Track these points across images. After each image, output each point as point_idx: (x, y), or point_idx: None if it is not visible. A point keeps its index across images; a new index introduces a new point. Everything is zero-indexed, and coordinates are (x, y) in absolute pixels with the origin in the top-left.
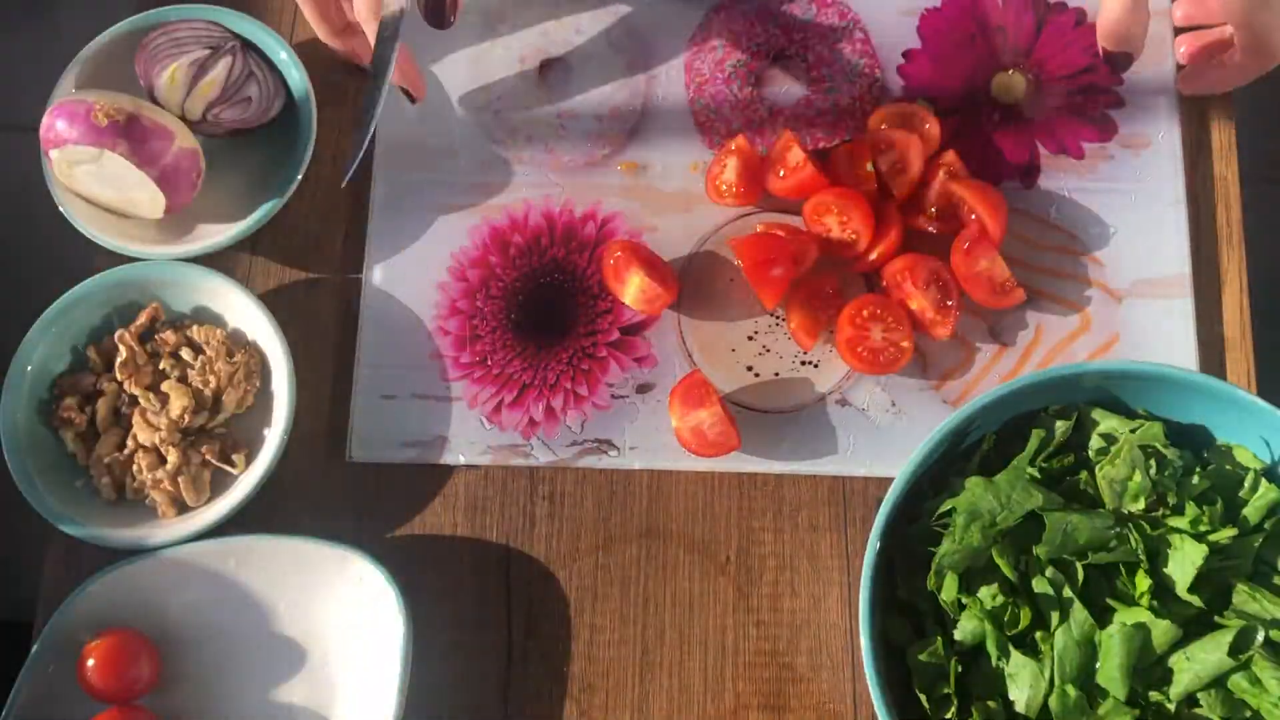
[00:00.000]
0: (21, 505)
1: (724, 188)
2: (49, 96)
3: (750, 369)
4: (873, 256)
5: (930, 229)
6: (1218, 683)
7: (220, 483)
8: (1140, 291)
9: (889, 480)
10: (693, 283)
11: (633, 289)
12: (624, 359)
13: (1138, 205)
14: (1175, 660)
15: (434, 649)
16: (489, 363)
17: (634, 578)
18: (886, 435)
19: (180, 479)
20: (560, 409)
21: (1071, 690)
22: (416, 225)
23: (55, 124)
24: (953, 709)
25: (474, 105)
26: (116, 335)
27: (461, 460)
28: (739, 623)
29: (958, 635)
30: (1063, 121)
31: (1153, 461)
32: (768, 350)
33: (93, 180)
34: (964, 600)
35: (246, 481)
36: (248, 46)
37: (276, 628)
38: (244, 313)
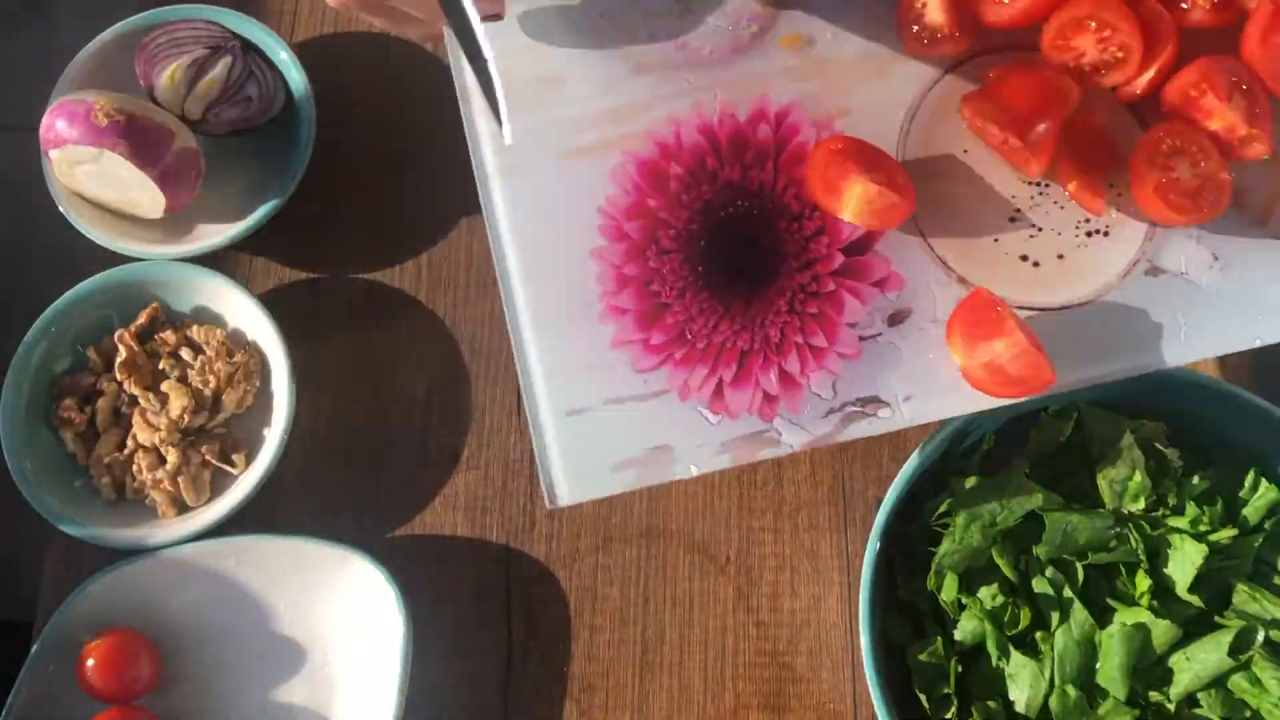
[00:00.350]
0: (21, 505)
1: (926, 34)
2: (49, 96)
3: (1026, 258)
4: (1148, 75)
5: (1201, 21)
6: (1218, 683)
7: (220, 483)
8: None
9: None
10: (917, 169)
11: (855, 202)
12: (860, 287)
13: None
14: (1175, 660)
15: (434, 649)
16: (689, 335)
17: (634, 578)
18: (1218, 299)
19: (180, 479)
20: (799, 372)
21: (1071, 690)
22: (542, 185)
23: (55, 124)
24: (953, 709)
25: (569, 10)
26: (116, 335)
27: (694, 471)
28: (739, 623)
29: (958, 635)
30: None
31: (1152, 462)
32: (1039, 230)
33: (93, 180)
34: (964, 600)
35: (246, 481)
36: (248, 46)
37: (276, 628)
38: (244, 313)
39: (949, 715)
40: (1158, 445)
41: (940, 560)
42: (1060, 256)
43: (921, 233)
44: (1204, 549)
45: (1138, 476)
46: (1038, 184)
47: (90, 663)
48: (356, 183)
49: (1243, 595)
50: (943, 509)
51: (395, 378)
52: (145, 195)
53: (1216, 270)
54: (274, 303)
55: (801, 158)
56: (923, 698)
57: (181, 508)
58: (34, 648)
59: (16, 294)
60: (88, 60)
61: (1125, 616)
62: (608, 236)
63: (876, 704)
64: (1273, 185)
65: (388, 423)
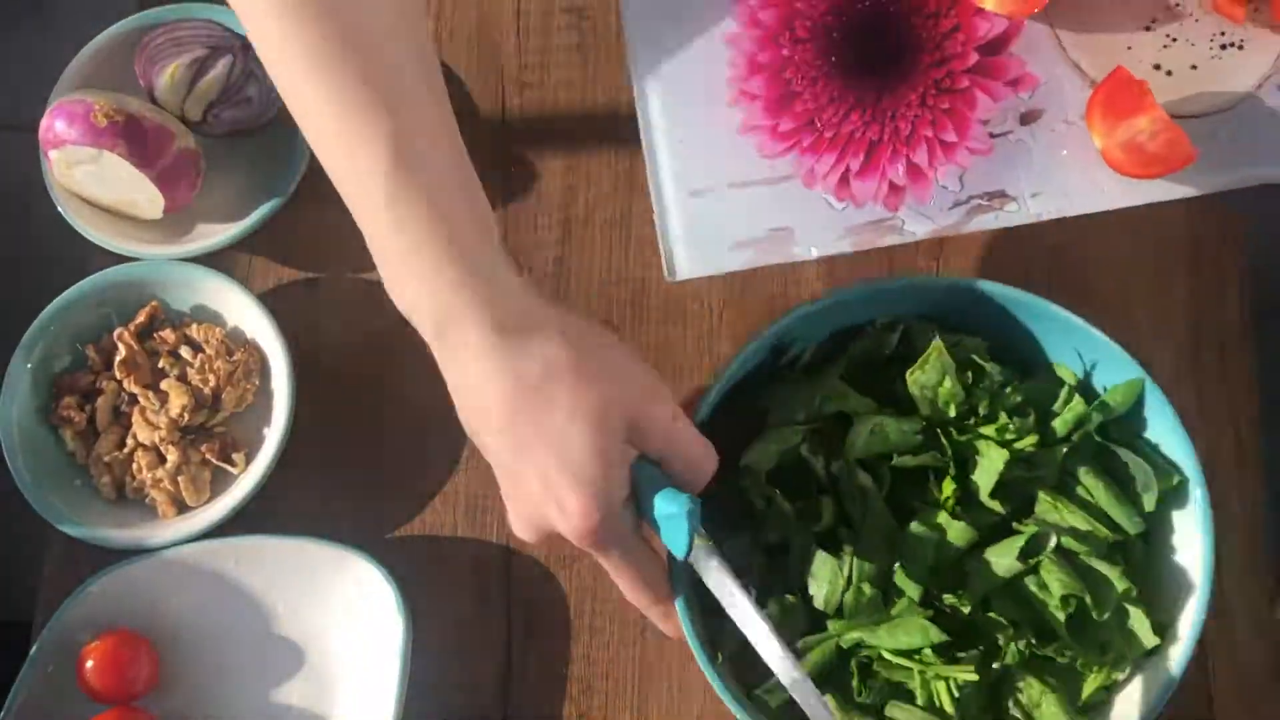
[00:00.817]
0: (21, 505)
1: None
2: (49, 96)
3: (1159, 67)
4: None
5: None
6: (1010, 586)
7: (220, 483)
8: None
9: None
10: None
11: None
12: (994, 85)
13: None
14: (971, 564)
15: (434, 649)
16: (818, 124)
17: None
18: None
19: (180, 478)
20: (927, 164)
21: (868, 589)
22: None
23: (55, 124)
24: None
25: None
26: (115, 333)
27: (814, 253)
28: None
29: (766, 532)
30: None
31: (969, 374)
32: (1173, 40)
33: (92, 180)
34: (771, 499)
35: (246, 481)
36: (248, 46)
37: (276, 628)
38: (243, 312)
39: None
40: (976, 358)
41: (749, 458)
42: (1194, 67)
43: (1057, 35)
44: (1006, 454)
45: (947, 383)
46: None
47: (90, 663)
48: None
49: (1044, 504)
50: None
51: (395, 377)
52: (144, 195)
53: None
54: (274, 303)
55: None
56: None
57: (181, 507)
58: (34, 648)
59: (16, 294)
60: (88, 60)
61: (925, 519)
62: (742, 22)
63: (678, 604)
64: None
65: (388, 423)
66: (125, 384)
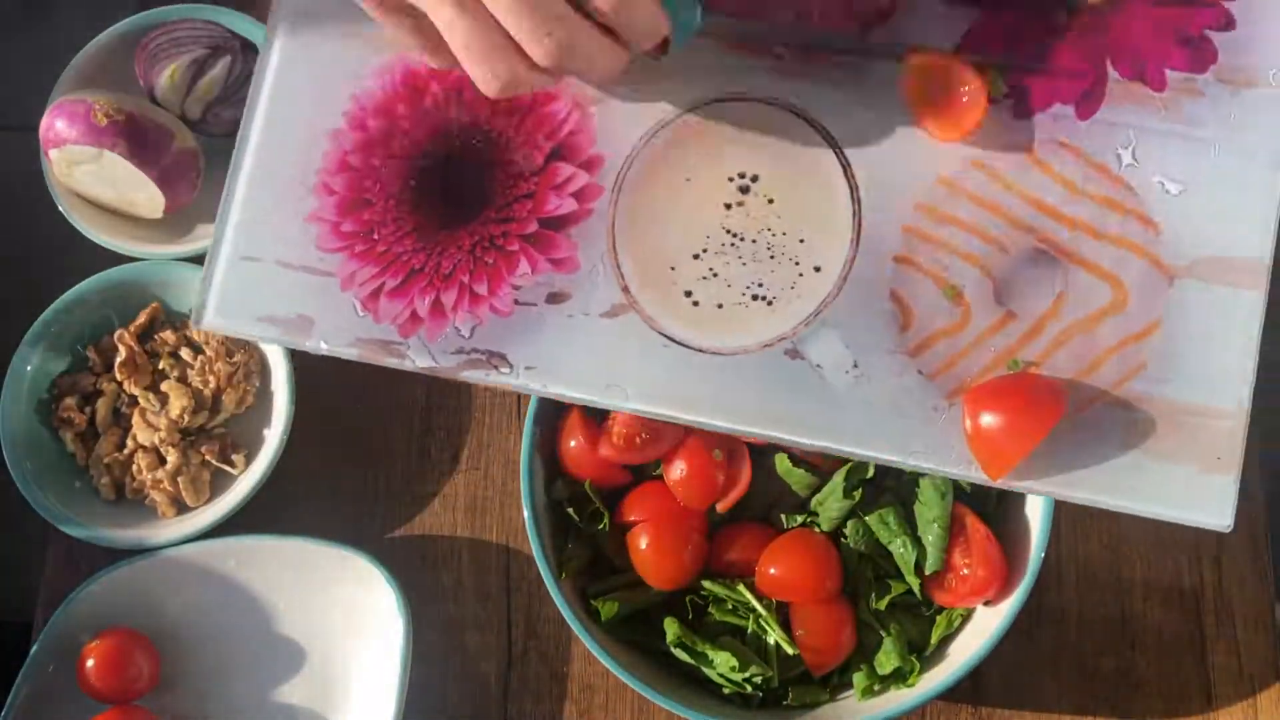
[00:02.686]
0: (21, 505)
1: None
2: (49, 96)
3: (689, 295)
4: None
5: None
6: (855, 518)
7: (220, 483)
8: (1201, 273)
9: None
10: (638, 177)
11: None
12: (538, 258)
13: (1222, 161)
14: (815, 504)
15: (434, 649)
16: (376, 236)
17: None
18: (841, 403)
19: (180, 479)
20: (451, 306)
21: None
22: (317, 53)
23: (55, 124)
24: (605, 521)
25: None
26: (116, 335)
27: (324, 348)
28: None
29: None
30: (1147, 38)
31: None
32: (714, 274)
33: (93, 180)
34: None
35: (246, 481)
36: (248, 46)
37: (276, 628)
38: None
39: (601, 526)
40: None
41: None
42: (719, 306)
43: (614, 234)
44: None
45: None
46: (735, 235)
47: (90, 663)
48: None
49: None
50: None
51: (395, 378)
52: (145, 195)
53: (852, 375)
54: None
55: (547, 125)
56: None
57: (181, 508)
58: (34, 648)
59: (16, 294)
60: (88, 60)
61: (779, 461)
62: (349, 123)
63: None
64: (940, 318)
65: (388, 423)
66: (125, 385)
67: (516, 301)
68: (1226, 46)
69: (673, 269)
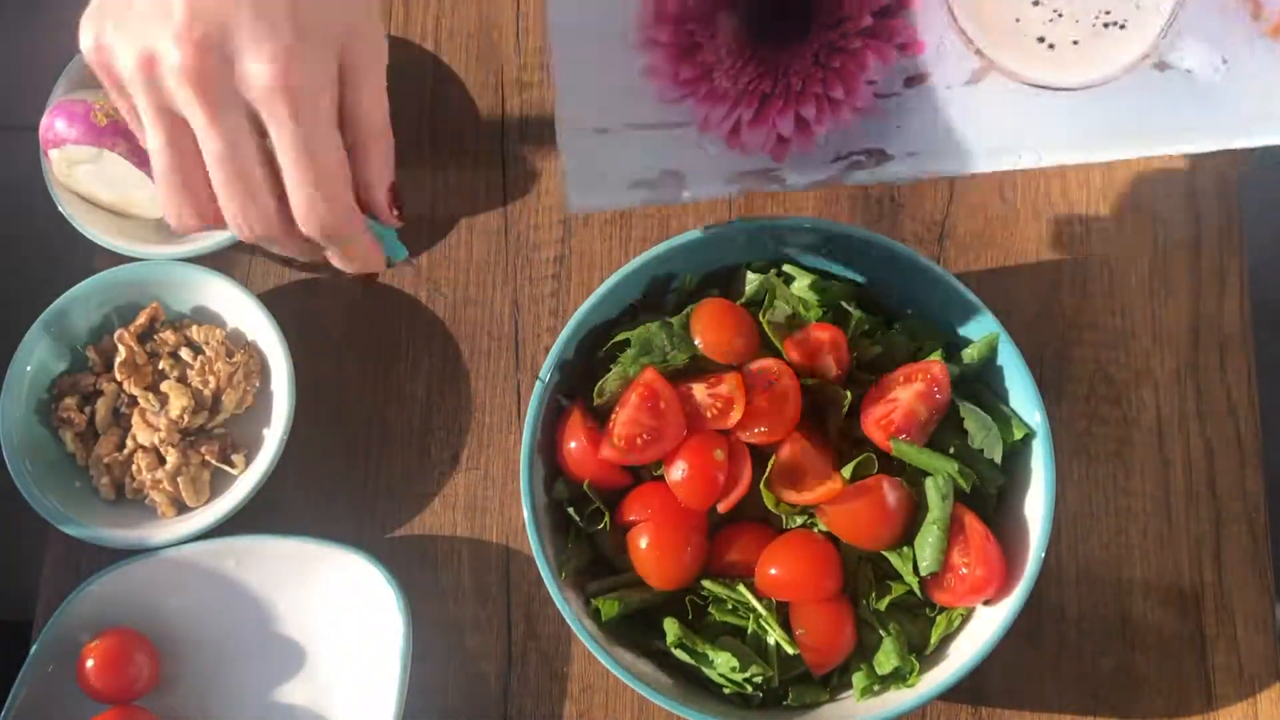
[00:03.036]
0: (21, 505)
1: None
2: (49, 96)
3: (1042, 40)
4: None
5: None
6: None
7: (220, 483)
8: None
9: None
10: None
11: None
12: (884, 48)
13: None
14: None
15: (434, 649)
16: (715, 76)
17: None
18: (1220, 100)
19: (180, 479)
20: (813, 119)
21: None
22: None
23: (55, 124)
24: (605, 521)
25: None
26: (116, 335)
27: (701, 197)
28: None
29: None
30: None
31: (831, 316)
32: (1059, 15)
33: (93, 180)
34: None
35: (246, 481)
36: None
37: (276, 628)
38: (244, 313)
39: (601, 526)
40: (843, 304)
41: (602, 384)
42: (1075, 42)
43: (950, 4)
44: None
45: (801, 311)
46: None
47: (90, 663)
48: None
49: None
50: (618, 337)
51: (395, 378)
52: (145, 195)
53: (1223, 72)
54: (274, 303)
55: None
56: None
57: (181, 508)
58: (34, 648)
59: (16, 294)
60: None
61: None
62: None
63: (528, 521)
64: None
65: (388, 423)
66: (125, 385)
67: (876, 95)
68: None
69: (1017, 21)
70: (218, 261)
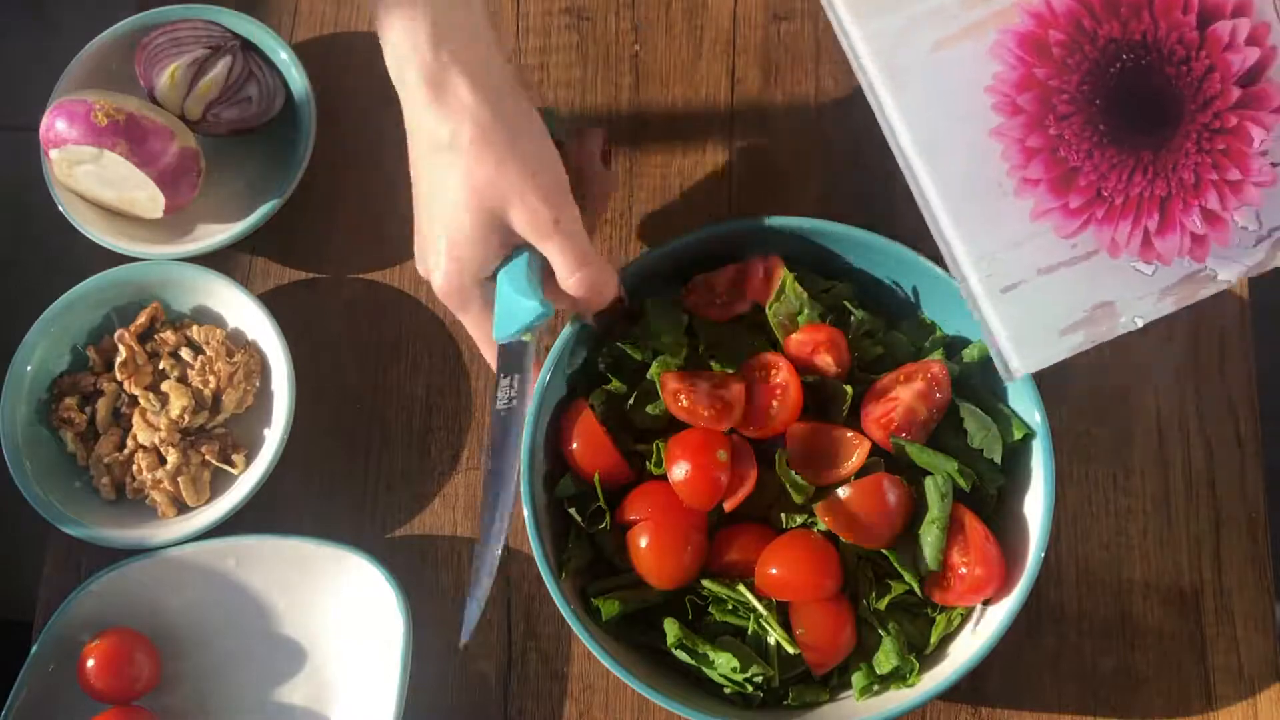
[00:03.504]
0: (21, 505)
1: None
2: (49, 96)
3: None
4: None
5: None
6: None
7: (220, 483)
8: None
9: None
10: None
11: None
12: (1262, 115)
13: None
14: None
15: (434, 649)
16: (1105, 193)
17: None
18: None
19: (180, 479)
20: (1220, 208)
21: None
22: (927, 82)
23: (55, 124)
24: (606, 521)
25: None
26: (116, 335)
27: (1139, 323)
28: None
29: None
30: None
31: (831, 316)
32: None
33: (93, 180)
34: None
35: (246, 481)
36: (248, 46)
37: (276, 628)
38: (244, 313)
39: (602, 526)
40: (846, 304)
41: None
42: None
43: None
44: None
45: (806, 312)
46: None
47: (90, 663)
48: (356, 183)
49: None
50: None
51: (395, 378)
52: (145, 195)
53: None
54: (274, 303)
55: (1177, 3)
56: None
57: (181, 508)
58: (34, 648)
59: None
60: (88, 60)
61: (779, 462)
62: (1003, 113)
63: (529, 522)
64: None
65: (388, 423)
66: (126, 385)
67: (1273, 164)
68: None
69: None
70: (218, 261)
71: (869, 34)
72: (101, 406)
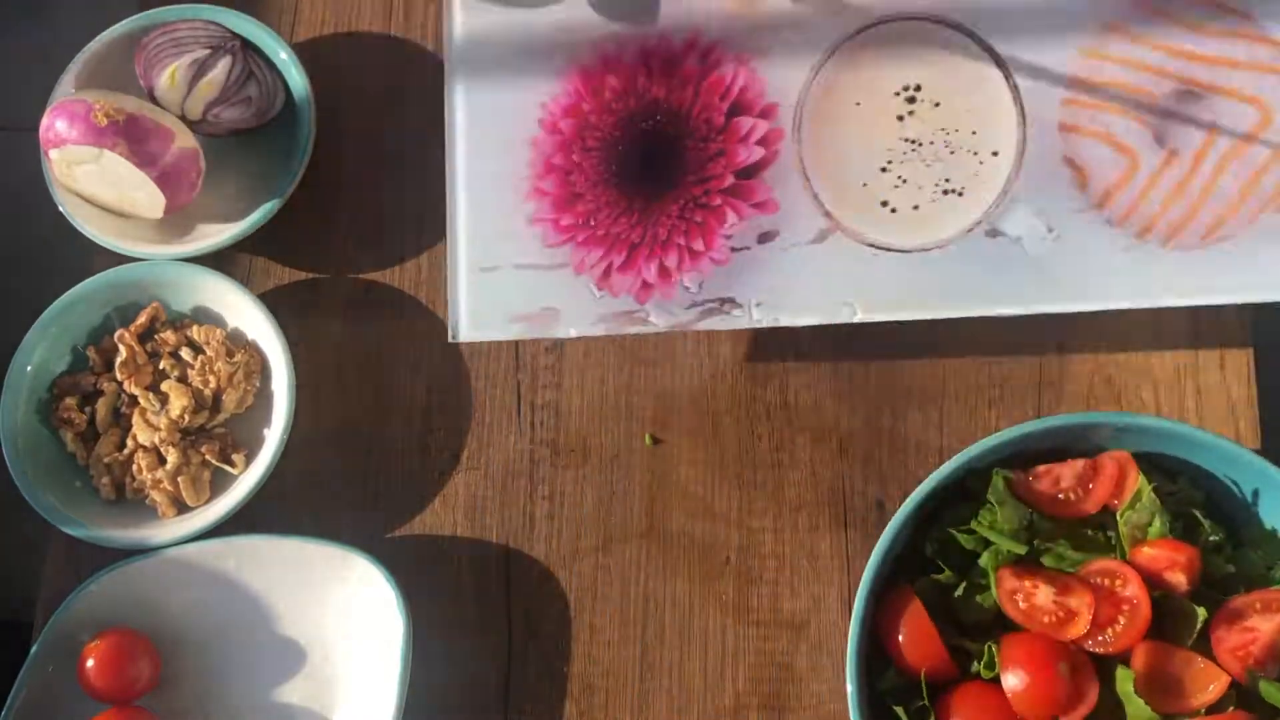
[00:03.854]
0: (21, 505)
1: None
2: (49, 96)
3: (885, 204)
4: None
5: None
6: None
7: (220, 483)
8: None
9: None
10: (813, 111)
11: None
12: (742, 206)
13: None
14: None
15: (434, 649)
16: (593, 223)
17: (634, 578)
18: (1045, 267)
19: (180, 479)
20: (675, 268)
21: None
22: (499, 76)
23: (55, 124)
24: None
25: None
26: (116, 335)
27: (573, 333)
28: (739, 622)
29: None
30: None
31: (1180, 524)
32: (904, 181)
33: (93, 180)
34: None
35: (246, 481)
36: (248, 46)
37: (276, 628)
38: (244, 313)
39: None
40: (1196, 513)
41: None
42: (916, 207)
43: (804, 168)
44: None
45: (1157, 524)
46: (912, 141)
47: (90, 663)
48: (356, 183)
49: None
50: (976, 525)
51: (395, 378)
52: (145, 195)
53: (1049, 241)
54: (274, 303)
55: (719, 88)
56: (899, 710)
57: (181, 508)
58: (34, 648)
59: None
60: (88, 60)
61: (1121, 681)
62: (545, 129)
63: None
64: (1111, 172)
65: (388, 423)
66: (126, 385)
67: (732, 249)
68: None
69: (865, 185)
70: (218, 261)
71: (468, 26)
72: (101, 406)
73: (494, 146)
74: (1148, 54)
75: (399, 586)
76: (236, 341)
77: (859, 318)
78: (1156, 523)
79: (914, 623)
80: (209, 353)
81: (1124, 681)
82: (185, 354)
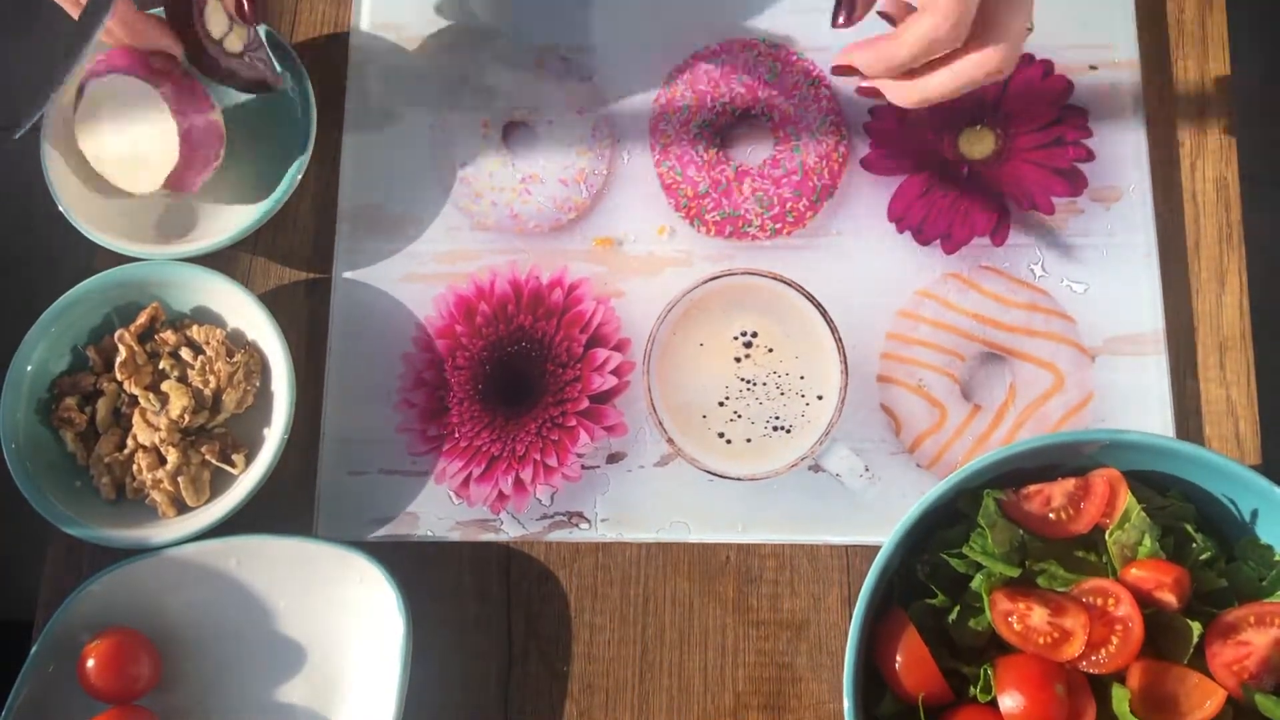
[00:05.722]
0: (21, 505)
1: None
2: (49, 96)
3: (722, 435)
4: None
5: None
6: None
7: (220, 483)
8: (1113, 349)
9: (867, 545)
10: (663, 348)
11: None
12: (594, 428)
13: (1109, 260)
14: None
15: (434, 649)
16: (457, 435)
17: (634, 577)
18: (861, 501)
19: (180, 479)
20: (530, 481)
21: None
22: (380, 296)
23: (111, 55)
24: None
25: (436, 170)
26: (116, 335)
27: (430, 535)
28: (739, 622)
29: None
30: (1032, 176)
31: (1172, 539)
32: (739, 416)
33: (110, 127)
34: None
35: (246, 481)
36: (275, 44)
37: (277, 628)
38: (244, 313)
39: None
40: (1187, 527)
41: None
42: (749, 440)
43: (651, 398)
44: (1199, 627)
45: (1147, 543)
46: (748, 381)
47: (90, 663)
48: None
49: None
50: (966, 549)
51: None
52: (158, 153)
53: (866, 479)
54: (274, 303)
55: (580, 321)
56: None
57: (181, 508)
58: (34, 648)
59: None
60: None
61: (1117, 702)
62: (418, 346)
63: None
64: (923, 422)
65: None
66: (126, 385)
67: (583, 467)
68: (1093, 173)
69: (704, 417)
70: (218, 261)
71: (352, 248)
72: (101, 406)
73: (370, 358)
74: (959, 319)
75: (399, 586)
76: (236, 341)
77: (692, 537)
78: (1146, 542)
79: (909, 648)
80: (209, 353)
81: (1120, 701)
82: (185, 354)
